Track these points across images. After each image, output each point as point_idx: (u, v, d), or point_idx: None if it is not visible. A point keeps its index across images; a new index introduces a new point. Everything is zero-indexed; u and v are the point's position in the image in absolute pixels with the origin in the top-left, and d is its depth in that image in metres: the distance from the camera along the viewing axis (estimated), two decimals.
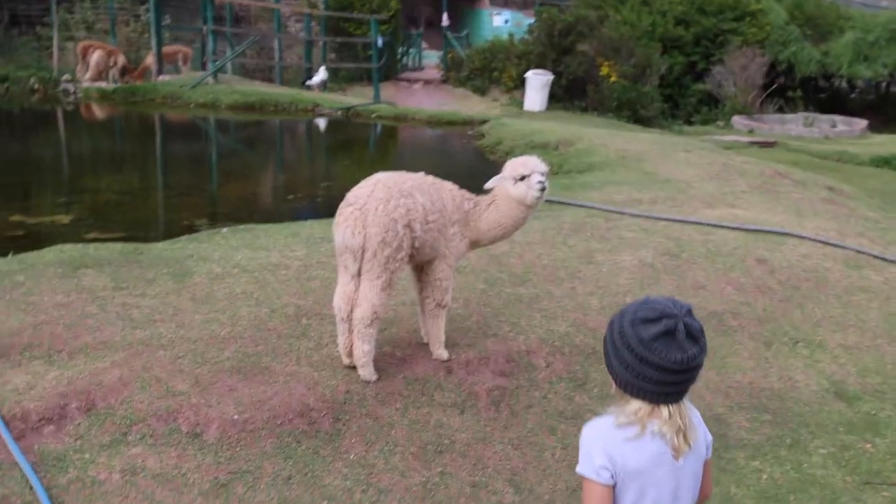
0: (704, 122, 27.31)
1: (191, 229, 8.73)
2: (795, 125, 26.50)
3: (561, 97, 25.13)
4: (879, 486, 4.85)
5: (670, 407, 2.43)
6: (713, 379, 5.77)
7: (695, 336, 2.37)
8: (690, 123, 27.04)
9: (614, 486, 2.45)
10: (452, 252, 5.23)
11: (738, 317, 6.62)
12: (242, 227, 8.04)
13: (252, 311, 5.69)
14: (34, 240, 8.24)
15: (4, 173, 13.10)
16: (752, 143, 20.28)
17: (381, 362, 5.20)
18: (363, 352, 4.96)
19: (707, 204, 9.99)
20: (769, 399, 5.69)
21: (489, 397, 5.12)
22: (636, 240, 8.06)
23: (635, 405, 2.45)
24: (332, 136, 20.44)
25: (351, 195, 4.90)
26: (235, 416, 4.50)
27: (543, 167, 5.12)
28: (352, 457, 4.47)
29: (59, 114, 21.45)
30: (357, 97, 25.02)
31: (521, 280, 6.82)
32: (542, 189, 5.07)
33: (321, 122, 21.18)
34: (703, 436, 2.59)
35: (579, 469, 2.50)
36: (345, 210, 4.84)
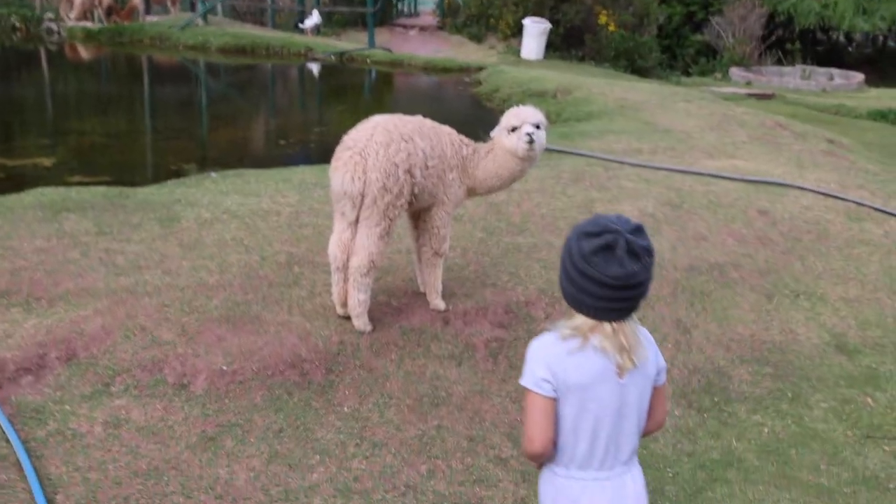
0: (702, 74, 27.04)
1: (179, 174, 8.50)
2: (793, 78, 26.24)
3: (558, 46, 24.76)
4: (880, 440, 4.77)
5: (614, 324, 2.40)
6: (714, 331, 5.65)
7: (637, 253, 2.32)
8: (688, 74, 26.76)
9: (556, 400, 2.45)
10: (451, 199, 5.04)
11: (739, 268, 6.48)
12: (232, 171, 7.80)
13: (242, 259, 5.49)
14: (15, 182, 7.97)
15: None
16: (750, 95, 20.08)
17: (376, 312, 5.03)
18: (358, 301, 4.78)
19: (708, 154, 9.80)
20: (770, 352, 5.58)
21: (487, 349, 4.97)
22: (636, 190, 7.88)
23: (579, 320, 2.44)
24: (326, 81, 20.08)
25: (349, 139, 4.68)
26: (224, 367, 4.34)
27: (536, 118, 4.86)
28: (345, 409, 4.32)
29: (43, 54, 20.99)
30: (351, 42, 24.57)
31: (520, 229, 6.64)
32: (530, 142, 4.82)
33: (314, 67, 20.81)
34: (653, 359, 2.54)
35: (522, 381, 2.51)
36: (343, 154, 4.61)
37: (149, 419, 3.97)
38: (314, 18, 25.92)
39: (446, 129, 5.02)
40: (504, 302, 5.39)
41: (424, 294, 5.27)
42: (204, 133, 12.78)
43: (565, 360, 2.42)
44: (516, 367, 4.92)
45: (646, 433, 2.66)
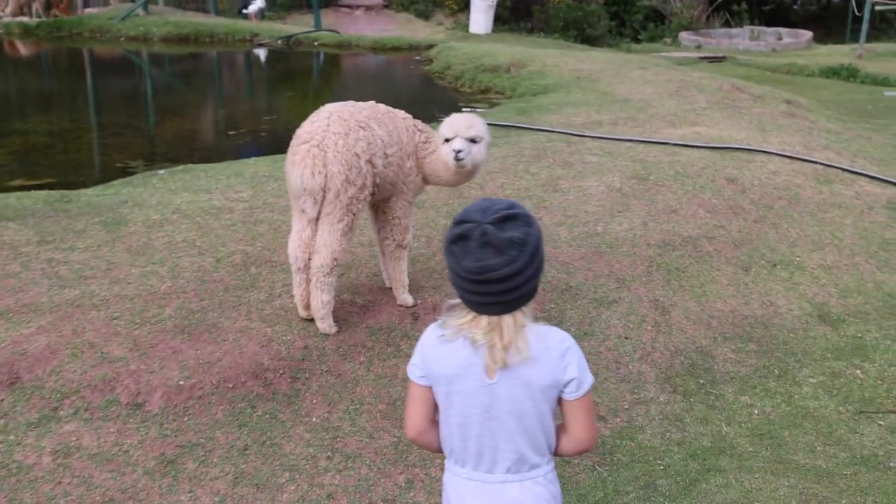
0: (651, 40, 26.87)
1: (125, 172, 8.10)
2: (742, 39, 26.15)
3: (507, 19, 24.53)
4: (874, 414, 4.62)
5: (491, 319, 2.24)
6: (693, 309, 5.45)
7: (496, 246, 2.17)
8: (638, 41, 26.58)
9: (431, 388, 2.38)
10: (410, 188, 4.75)
11: (713, 241, 6.28)
12: (181, 167, 7.42)
13: (195, 262, 5.14)
14: None
15: None
16: (702, 59, 19.98)
17: (341, 312, 4.74)
18: (322, 303, 4.49)
19: (669, 123, 9.58)
20: (753, 327, 5.41)
21: None
22: (601, 164, 7.64)
23: (462, 311, 2.30)
24: (273, 66, 19.65)
25: (303, 131, 4.36)
26: (181, 382, 4.02)
27: (472, 132, 4.46)
28: (314, 419, 4.05)
29: None
30: (297, 26, 24.11)
31: None
32: (457, 159, 4.46)
33: (261, 53, 20.37)
34: (548, 369, 2.29)
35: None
36: (300, 148, 4.29)
37: (102, 445, 3.66)
38: (258, 3, 25.48)
39: (401, 113, 4.73)
40: None
41: (391, 289, 4.99)
42: (150, 127, 12.29)
43: (436, 348, 2.33)
44: None
45: (562, 453, 2.45)
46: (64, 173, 8.68)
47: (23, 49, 20.65)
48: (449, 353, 2.29)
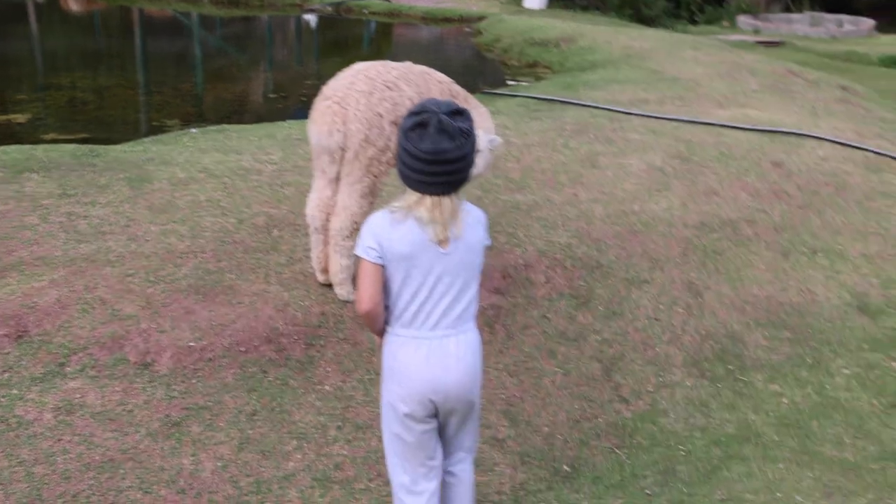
0: (709, 22, 26.25)
1: (161, 130, 8.03)
2: (802, 25, 25.50)
3: None
4: None
5: (433, 199, 2.62)
6: (727, 293, 5.26)
7: (449, 132, 2.55)
8: (695, 23, 26.01)
9: (384, 267, 2.72)
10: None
11: (753, 225, 6.05)
12: (214, 127, 7.31)
13: (217, 222, 5.03)
14: None
15: None
16: (759, 43, 19.49)
17: None
18: (341, 267, 4.35)
19: (718, 104, 9.30)
20: (788, 314, 5.20)
21: (482, 317, 4.54)
22: (644, 142, 7.41)
23: (408, 195, 2.67)
24: (321, 32, 19.53)
25: (328, 88, 4.23)
26: (192, 343, 3.92)
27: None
28: (326, 388, 3.94)
29: (30, 6, 20.36)
30: None
31: (519, 186, 6.19)
32: None
33: (310, 18, 20.25)
34: (477, 235, 2.78)
35: (355, 251, 2.82)
36: (321, 105, 4.17)
37: (106, 403, 3.57)
38: None
39: (437, 76, 4.55)
40: (501, 266, 4.96)
41: None
42: (192, 88, 12.23)
43: (390, 231, 2.67)
44: (515, 336, 4.54)
45: None
46: (97, 129, 8.64)
47: (74, 5, 20.70)
48: (403, 234, 2.66)
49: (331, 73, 4.42)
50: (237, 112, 10.38)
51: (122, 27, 19.20)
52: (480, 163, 4.26)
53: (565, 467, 3.83)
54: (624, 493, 3.68)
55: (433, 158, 2.54)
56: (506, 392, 4.15)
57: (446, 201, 2.63)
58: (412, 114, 2.62)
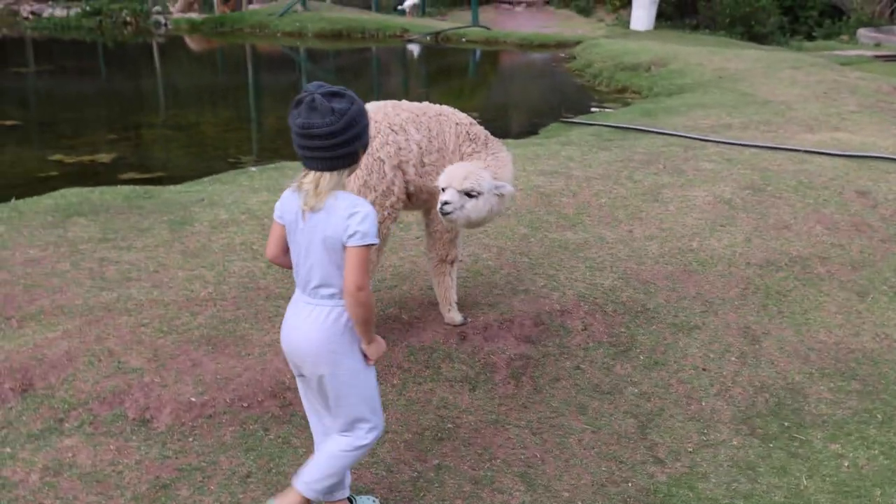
0: (827, 37, 25.22)
1: (235, 167, 8.07)
2: None
3: (670, 15, 23.62)
4: None
5: (315, 174, 2.85)
6: (790, 339, 4.85)
7: (319, 110, 2.76)
8: (812, 39, 25.02)
9: (287, 230, 3.01)
10: None
11: (826, 262, 5.61)
12: (273, 165, 7.28)
13: (245, 266, 4.92)
14: (69, 180, 7.67)
15: (65, 109, 12.70)
16: (877, 58, 18.55)
17: (383, 328, 4.40)
18: None
19: (807, 127, 8.79)
20: (859, 363, 4.76)
21: (508, 369, 4.31)
22: (715, 172, 7.01)
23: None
24: (424, 61, 19.67)
25: None
26: (193, 399, 3.79)
27: (467, 184, 3.90)
28: None
29: (145, 47, 21.16)
30: (456, 21, 24.14)
31: (572, 223, 5.91)
32: (444, 213, 3.92)
33: (411, 48, 20.46)
34: (336, 224, 2.85)
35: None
36: None
37: (97, 463, 3.46)
38: None
39: (456, 118, 4.31)
40: (534, 312, 4.69)
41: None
42: (277, 122, 12.35)
43: (287, 198, 2.97)
44: (542, 389, 4.26)
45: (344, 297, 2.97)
46: (174, 168, 8.76)
47: (187, 44, 21.49)
48: (290, 202, 2.93)
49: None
50: None
51: (224, 63, 19.69)
52: (482, 205, 4.00)
53: None
54: None
55: (304, 133, 2.78)
56: (525, 452, 3.88)
57: (313, 176, 2.84)
58: (299, 93, 2.87)
